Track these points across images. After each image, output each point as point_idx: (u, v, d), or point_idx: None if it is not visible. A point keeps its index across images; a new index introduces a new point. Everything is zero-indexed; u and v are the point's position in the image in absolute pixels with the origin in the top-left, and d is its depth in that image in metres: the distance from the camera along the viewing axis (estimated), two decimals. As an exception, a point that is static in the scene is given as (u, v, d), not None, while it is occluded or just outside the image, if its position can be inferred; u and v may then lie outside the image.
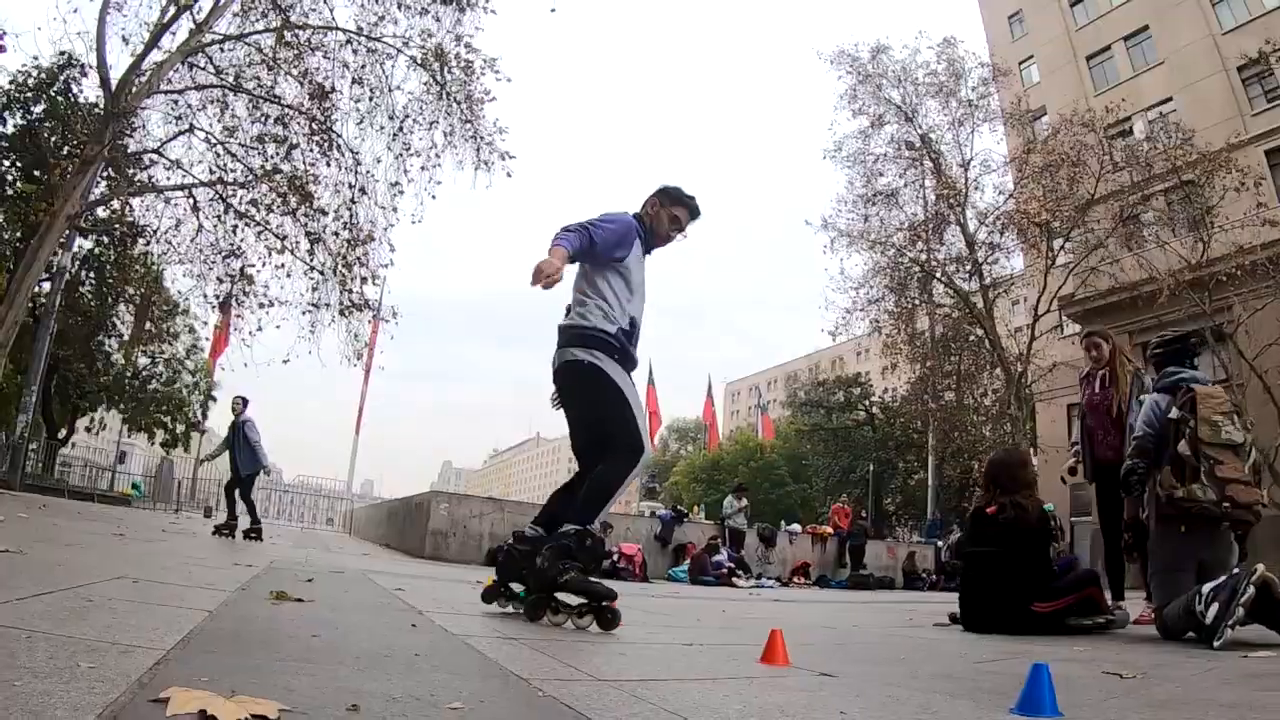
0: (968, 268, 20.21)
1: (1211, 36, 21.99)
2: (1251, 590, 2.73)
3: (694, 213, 3.05)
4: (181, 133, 12.67)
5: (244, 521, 8.83)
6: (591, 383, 2.75)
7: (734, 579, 9.56)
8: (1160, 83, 22.64)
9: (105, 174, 13.66)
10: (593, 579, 2.71)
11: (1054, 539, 3.93)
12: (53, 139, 18.06)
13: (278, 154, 12.14)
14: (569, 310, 2.90)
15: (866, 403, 28.11)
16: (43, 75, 18.01)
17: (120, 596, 1.86)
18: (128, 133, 12.91)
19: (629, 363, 2.84)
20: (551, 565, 2.59)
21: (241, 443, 9.14)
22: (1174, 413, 3.37)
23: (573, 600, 2.65)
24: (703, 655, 2.12)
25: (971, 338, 21.07)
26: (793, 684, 1.60)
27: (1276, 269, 15.95)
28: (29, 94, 18.10)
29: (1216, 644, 2.78)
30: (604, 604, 2.62)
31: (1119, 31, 23.71)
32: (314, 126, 12.15)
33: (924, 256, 20.04)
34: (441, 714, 1.04)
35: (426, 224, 15.78)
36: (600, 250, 2.76)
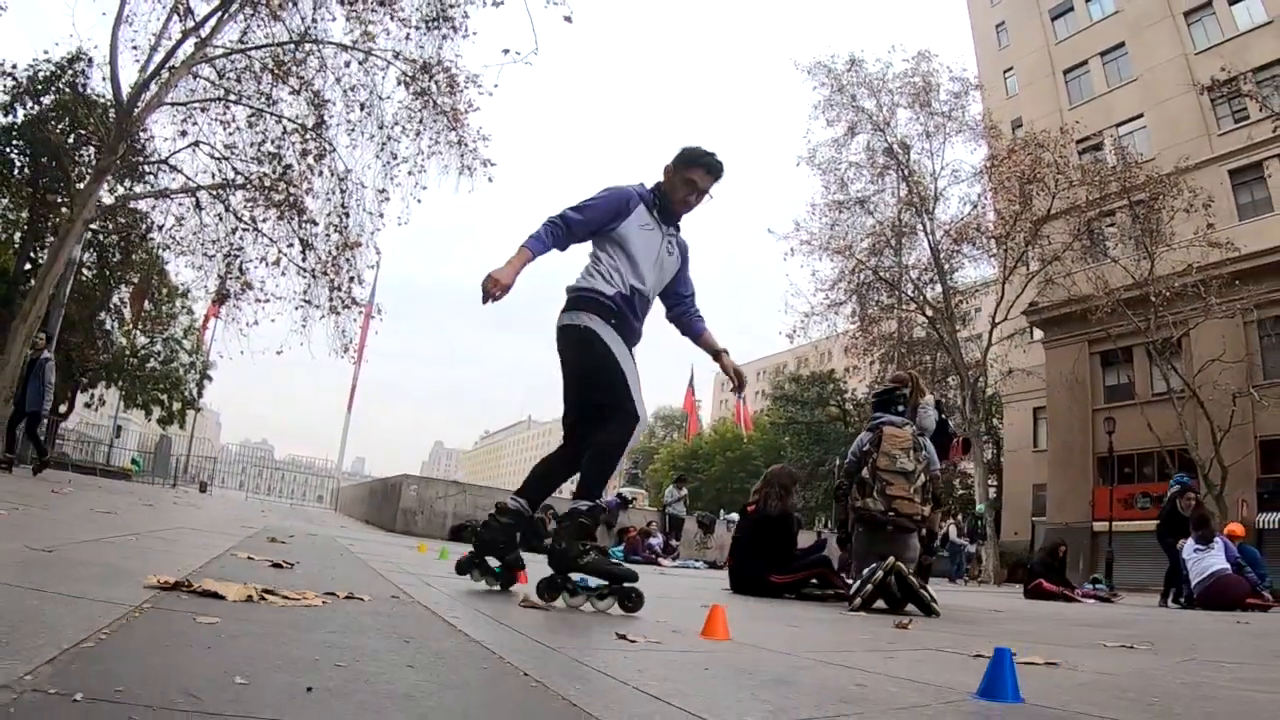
0: (930, 275, 21.94)
1: (1185, 56, 23.51)
2: (880, 574, 4.46)
3: (711, 170, 2.99)
4: (189, 145, 14.49)
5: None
6: (586, 348, 2.78)
7: (659, 560, 11.53)
8: (1133, 99, 24.23)
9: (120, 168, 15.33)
10: (613, 560, 2.84)
11: (796, 529, 5.73)
12: (60, 128, 19.90)
13: (274, 171, 13.94)
14: None
15: (839, 398, 30.18)
16: (53, 68, 19.82)
17: (189, 533, 3.78)
18: (138, 147, 14.73)
19: (627, 329, 2.86)
20: (570, 545, 2.67)
21: (35, 379, 9.59)
22: (866, 445, 5.15)
23: (593, 582, 2.72)
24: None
25: (933, 338, 22.81)
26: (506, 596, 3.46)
27: (1208, 290, 17.70)
28: (39, 86, 19.86)
29: (849, 608, 4.28)
30: (627, 585, 2.68)
31: (1097, 47, 25.24)
32: (307, 147, 13.91)
33: (886, 263, 21.77)
34: (334, 569, 2.94)
35: (422, 209, 17.71)
36: (581, 232, 2.87)
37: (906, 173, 22.10)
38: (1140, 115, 24.03)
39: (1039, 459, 25.70)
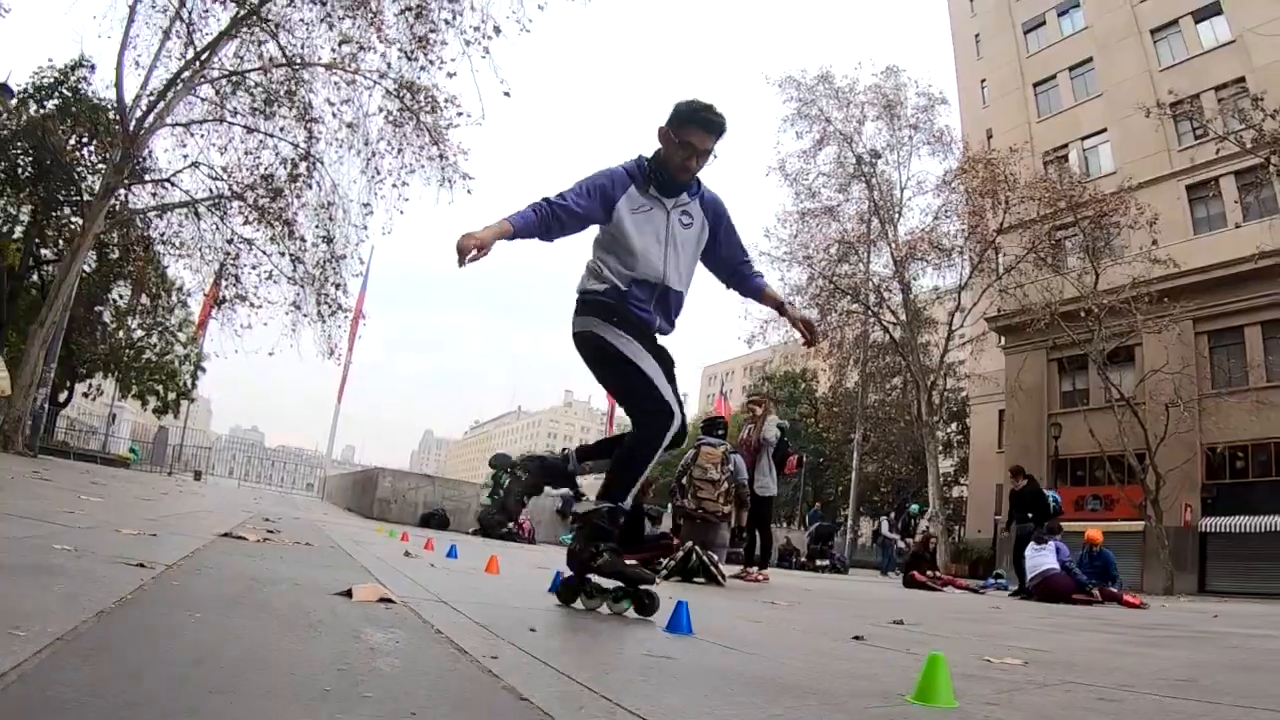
0: (892, 284, 24.08)
1: (1149, 73, 25.36)
2: (681, 554, 6.78)
3: (709, 127, 2.78)
4: (189, 166, 16.79)
5: None
6: (595, 353, 2.79)
7: (600, 547, 13.85)
8: (1098, 114, 26.19)
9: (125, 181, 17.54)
10: (629, 562, 2.95)
11: (652, 518, 8.00)
12: (62, 129, 22.14)
13: (267, 191, 16.22)
14: None
15: (812, 398, 32.61)
16: (56, 74, 22.14)
17: (208, 515, 6.09)
18: (144, 162, 17.02)
19: (633, 321, 2.78)
20: (583, 547, 2.76)
21: None
22: (687, 460, 7.42)
23: (608, 584, 2.85)
24: (389, 547, 6.19)
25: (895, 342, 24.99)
26: (413, 559, 5.76)
27: (1136, 306, 19.80)
28: (44, 91, 22.17)
29: (659, 578, 6.67)
30: (641, 588, 2.81)
31: (1065, 61, 27.19)
32: (297, 170, 16.15)
33: (849, 271, 23.94)
34: (306, 536, 5.24)
35: (415, 198, 19.89)
36: (569, 220, 2.74)
37: (873, 182, 24.20)
38: (1104, 130, 25.97)
39: (1002, 460, 27.82)
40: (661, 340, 2.93)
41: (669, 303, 2.88)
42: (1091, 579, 10.19)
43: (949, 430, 32.90)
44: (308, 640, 1.58)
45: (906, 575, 11.73)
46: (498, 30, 13.94)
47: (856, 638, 3.01)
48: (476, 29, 13.98)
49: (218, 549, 3.27)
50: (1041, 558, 9.82)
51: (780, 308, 3.22)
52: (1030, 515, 10.93)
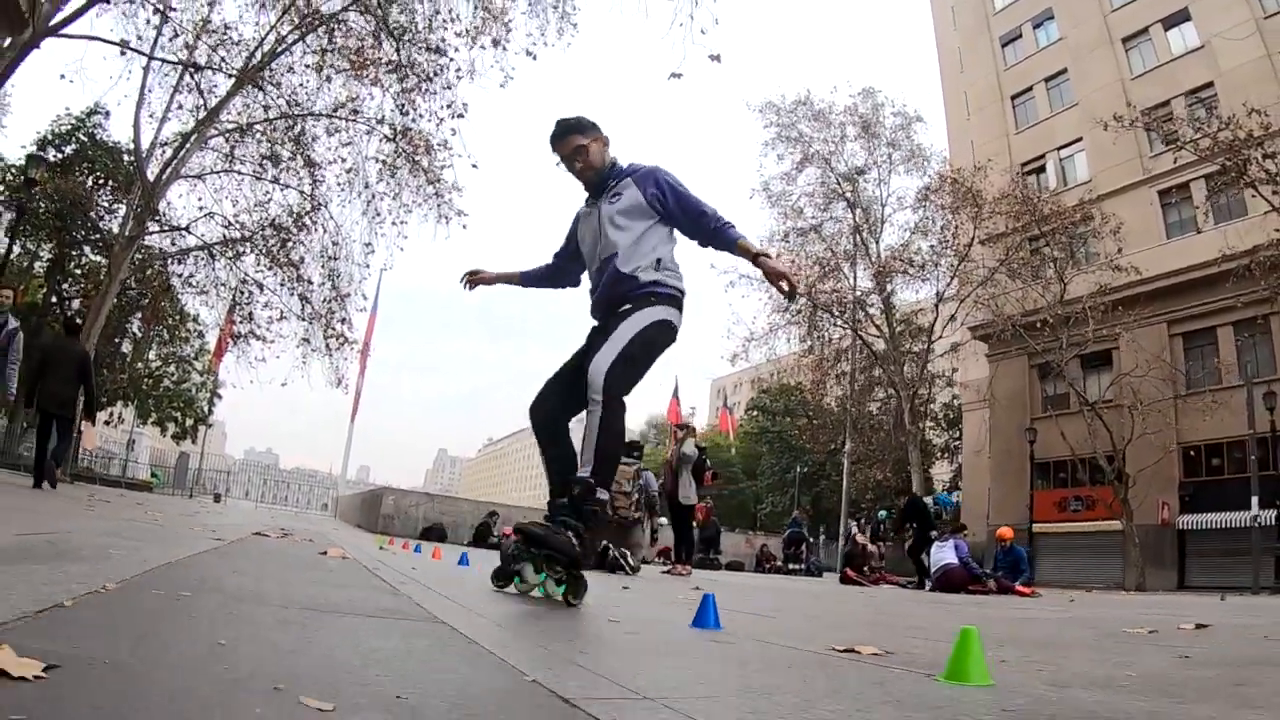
0: (873, 296, 26.11)
1: (1121, 81, 27.13)
2: (598, 551, 9.00)
3: (553, 142, 3.34)
4: (204, 216, 19.29)
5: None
6: None
7: (579, 552, 16.09)
8: (1073, 124, 27.97)
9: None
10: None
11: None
12: (81, 169, 24.71)
13: (275, 240, 18.68)
14: None
15: (807, 409, 34.63)
16: (74, 121, 24.84)
17: (235, 526, 8.41)
18: (160, 218, 19.55)
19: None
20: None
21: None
22: None
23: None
24: (372, 546, 8.43)
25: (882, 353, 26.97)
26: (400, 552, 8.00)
27: (1093, 314, 21.65)
28: (62, 137, 24.83)
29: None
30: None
31: (1041, 73, 29.06)
32: (302, 220, 18.59)
33: (833, 286, 25.99)
34: (313, 537, 7.52)
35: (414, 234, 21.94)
36: (563, 253, 3.59)
37: (854, 199, 26.24)
38: (1079, 139, 27.72)
39: (989, 464, 29.59)
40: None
41: (611, 270, 3.19)
42: (1000, 572, 12.12)
43: (948, 435, 34.72)
44: (297, 561, 3.83)
45: (841, 573, 13.81)
46: (465, 110, 16.23)
47: (623, 587, 5.23)
48: (448, 107, 16.21)
49: (253, 539, 5.55)
50: (942, 554, 11.52)
51: (756, 259, 3.17)
52: (914, 524, 12.91)
